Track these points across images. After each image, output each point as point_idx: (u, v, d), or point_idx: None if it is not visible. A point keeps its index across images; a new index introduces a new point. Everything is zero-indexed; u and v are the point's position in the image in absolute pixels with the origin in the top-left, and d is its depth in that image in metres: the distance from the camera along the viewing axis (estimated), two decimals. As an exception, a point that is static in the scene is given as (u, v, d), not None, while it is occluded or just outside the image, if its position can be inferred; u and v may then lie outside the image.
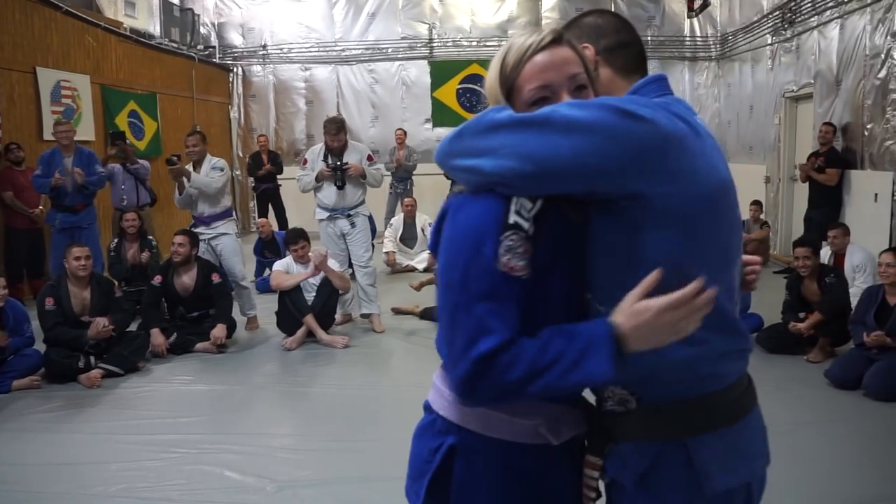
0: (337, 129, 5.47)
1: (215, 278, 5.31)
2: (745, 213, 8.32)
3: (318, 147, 5.67)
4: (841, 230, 5.73)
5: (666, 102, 1.18)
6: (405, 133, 10.35)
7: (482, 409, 1.20)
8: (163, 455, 3.46)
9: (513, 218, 1.11)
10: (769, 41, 9.06)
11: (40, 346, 4.66)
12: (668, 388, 1.18)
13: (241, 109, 12.16)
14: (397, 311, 6.22)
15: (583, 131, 1.06)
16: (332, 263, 5.37)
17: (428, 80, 11.55)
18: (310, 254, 5.35)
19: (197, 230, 5.59)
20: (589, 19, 1.34)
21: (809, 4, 7.81)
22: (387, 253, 8.23)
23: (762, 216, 8.52)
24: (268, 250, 7.53)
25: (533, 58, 1.17)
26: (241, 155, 12.04)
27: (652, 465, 1.19)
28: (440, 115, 11.46)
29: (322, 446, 3.54)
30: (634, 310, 1.08)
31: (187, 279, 5.28)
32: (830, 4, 7.38)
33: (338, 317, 5.74)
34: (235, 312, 5.53)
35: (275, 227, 8.39)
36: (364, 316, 5.82)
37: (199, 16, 11.42)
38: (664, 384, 1.18)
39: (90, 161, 6.42)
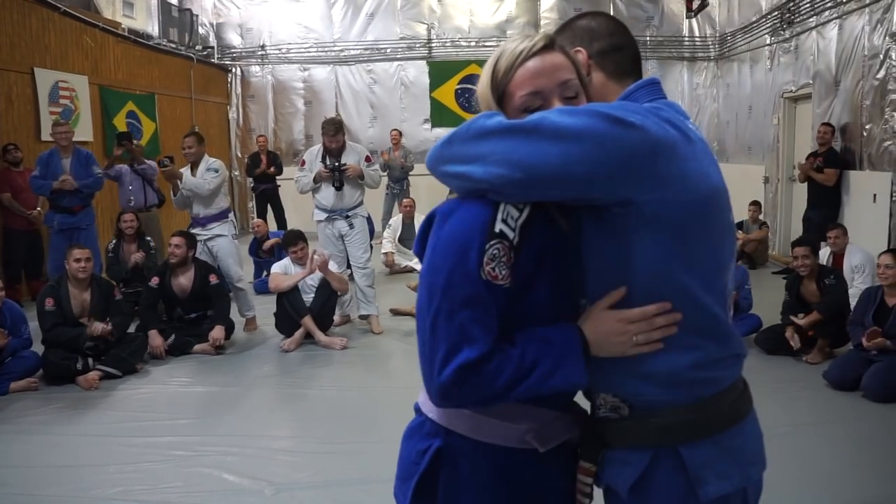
0: (335, 129, 5.47)
1: (213, 279, 5.31)
2: (744, 213, 8.33)
3: (317, 148, 5.66)
4: (840, 230, 5.73)
5: (657, 108, 1.18)
6: (400, 134, 10.34)
7: (470, 412, 1.20)
8: (161, 457, 3.45)
9: (499, 226, 1.11)
10: (768, 41, 9.06)
11: (38, 348, 4.65)
12: (661, 395, 1.17)
13: (240, 110, 12.16)
14: (396, 312, 6.21)
15: (572, 139, 1.06)
16: (331, 265, 5.36)
17: (426, 80, 11.57)
18: (315, 256, 5.31)
19: (193, 231, 5.59)
20: (582, 22, 1.33)
21: (808, 5, 7.81)
22: (385, 254, 8.23)
23: (761, 216, 8.52)
24: (263, 251, 7.53)
25: (524, 64, 1.17)
26: (239, 155, 12.03)
27: (646, 471, 1.18)
28: (439, 115, 11.48)
29: (320, 448, 3.54)
30: (597, 317, 1.15)
31: (184, 280, 5.27)
32: (829, 5, 7.38)
33: (336, 318, 5.73)
34: (234, 313, 5.52)
35: (274, 228, 8.38)
36: (362, 317, 5.80)
37: (197, 16, 11.41)
38: (657, 391, 1.17)
39: (88, 162, 6.41)
